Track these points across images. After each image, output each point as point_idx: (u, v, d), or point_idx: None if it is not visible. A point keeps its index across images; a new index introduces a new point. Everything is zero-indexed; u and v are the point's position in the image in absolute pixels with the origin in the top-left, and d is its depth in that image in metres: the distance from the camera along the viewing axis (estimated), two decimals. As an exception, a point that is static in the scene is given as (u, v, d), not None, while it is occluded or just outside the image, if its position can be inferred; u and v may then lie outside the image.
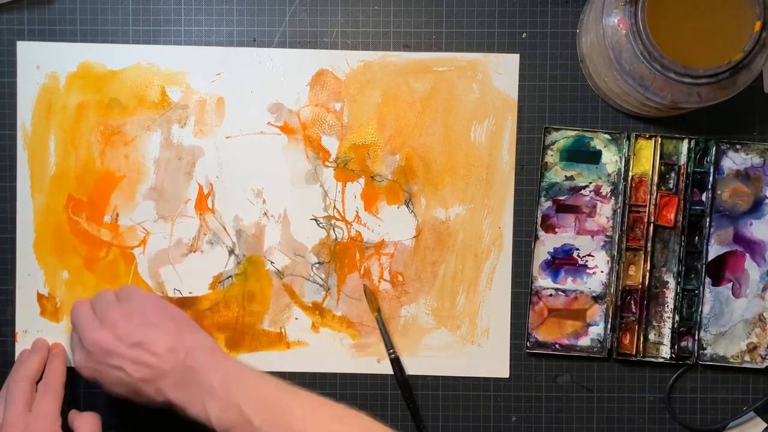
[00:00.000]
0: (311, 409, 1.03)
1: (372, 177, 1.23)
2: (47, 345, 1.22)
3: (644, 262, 1.20)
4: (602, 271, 1.22)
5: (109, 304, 1.12)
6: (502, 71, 1.22)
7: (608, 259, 1.21)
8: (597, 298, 1.22)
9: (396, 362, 1.22)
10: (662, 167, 1.20)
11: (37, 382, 1.17)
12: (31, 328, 1.23)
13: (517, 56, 1.22)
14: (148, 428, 1.24)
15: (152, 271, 1.23)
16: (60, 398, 1.16)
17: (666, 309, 1.21)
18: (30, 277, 1.23)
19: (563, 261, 1.22)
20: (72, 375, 1.20)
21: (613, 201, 1.21)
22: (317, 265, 1.24)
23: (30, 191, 1.22)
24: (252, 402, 1.02)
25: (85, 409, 1.17)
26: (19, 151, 1.22)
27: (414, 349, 1.23)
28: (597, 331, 1.22)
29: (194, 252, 1.23)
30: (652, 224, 1.20)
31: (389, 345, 1.22)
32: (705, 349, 1.22)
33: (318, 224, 1.23)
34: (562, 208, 1.21)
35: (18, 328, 1.23)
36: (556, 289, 1.22)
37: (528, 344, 1.22)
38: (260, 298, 1.24)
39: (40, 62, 1.21)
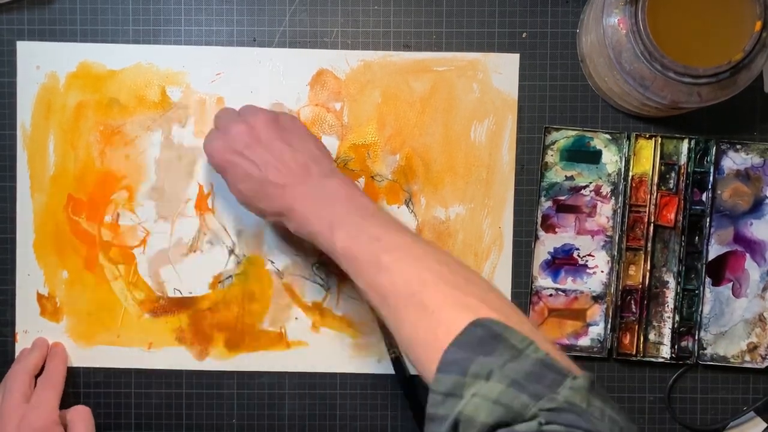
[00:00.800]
0: (445, 265, 0.97)
1: (372, 177, 1.23)
2: (47, 343, 1.22)
3: (644, 262, 1.20)
4: (602, 271, 1.22)
5: (253, 111, 1.12)
6: (502, 71, 1.22)
7: (608, 259, 1.22)
8: (597, 298, 1.22)
9: (397, 362, 1.22)
10: (662, 167, 1.20)
11: (37, 377, 1.18)
12: (31, 328, 1.23)
13: (517, 56, 1.22)
14: (147, 428, 1.24)
15: (152, 270, 1.23)
16: (59, 393, 1.17)
17: (666, 309, 1.22)
18: (30, 277, 1.23)
19: (563, 261, 1.22)
20: (70, 376, 1.21)
21: (613, 201, 1.21)
22: (317, 265, 1.24)
23: (30, 191, 1.22)
24: (386, 240, 1.00)
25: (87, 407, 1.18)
26: (19, 151, 1.22)
27: (414, 348, 1.23)
28: (597, 331, 1.22)
29: (194, 252, 1.23)
30: (652, 224, 1.20)
31: (390, 345, 1.22)
32: (705, 349, 1.22)
33: (318, 224, 1.23)
34: (562, 208, 1.21)
35: (18, 328, 1.23)
36: (556, 289, 1.22)
37: (528, 344, 1.22)
38: (260, 297, 1.23)
39: (40, 62, 1.21)
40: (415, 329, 0.93)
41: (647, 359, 1.22)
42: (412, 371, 1.22)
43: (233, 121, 1.11)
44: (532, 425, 0.76)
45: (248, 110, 1.12)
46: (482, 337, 0.85)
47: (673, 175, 1.20)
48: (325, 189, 1.06)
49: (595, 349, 1.22)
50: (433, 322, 0.91)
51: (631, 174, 1.20)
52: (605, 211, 1.21)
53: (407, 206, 1.23)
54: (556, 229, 1.22)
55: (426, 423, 0.85)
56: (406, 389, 1.22)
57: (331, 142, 1.22)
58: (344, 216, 1.03)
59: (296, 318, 1.24)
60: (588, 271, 1.22)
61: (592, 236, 1.21)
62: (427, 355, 0.89)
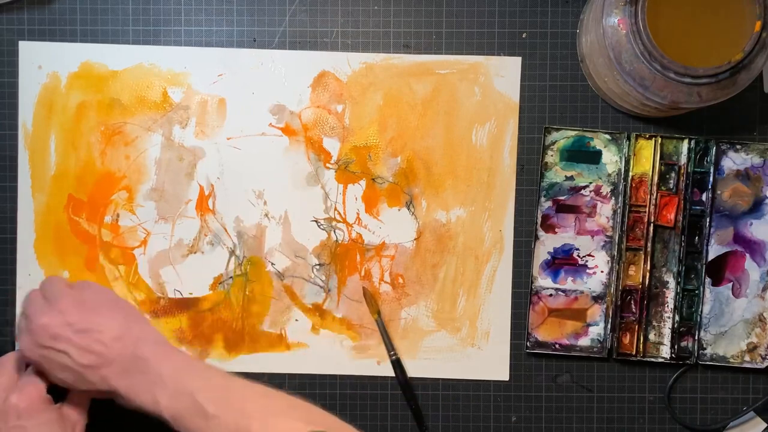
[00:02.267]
0: (265, 397, 1.04)
1: (373, 179, 1.23)
2: None
3: (644, 262, 1.20)
4: (602, 271, 1.22)
5: (60, 290, 1.10)
6: (503, 74, 1.22)
7: (608, 259, 1.22)
8: (597, 298, 1.22)
9: (397, 364, 1.22)
10: (662, 167, 1.20)
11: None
12: (32, 328, 1.23)
13: (518, 59, 1.22)
14: (147, 428, 1.24)
15: (153, 271, 1.23)
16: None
17: (666, 309, 1.21)
18: (30, 277, 1.23)
19: (563, 261, 1.22)
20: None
21: (613, 201, 1.21)
22: (318, 267, 1.24)
23: (31, 191, 1.22)
24: (205, 390, 1.02)
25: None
26: (20, 150, 1.22)
27: (414, 351, 1.23)
28: (597, 331, 1.22)
29: (195, 253, 1.23)
30: (652, 224, 1.20)
31: (390, 347, 1.22)
32: (705, 349, 1.22)
33: (319, 226, 1.23)
34: (562, 208, 1.21)
35: (18, 328, 1.23)
36: (556, 289, 1.22)
37: (528, 344, 1.22)
38: (261, 299, 1.24)
39: (42, 62, 1.22)
40: None
41: (647, 359, 1.22)
42: (411, 374, 1.22)
43: (38, 312, 1.09)
44: None
45: (51, 292, 1.11)
46: None
47: (673, 175, 1.20)
48: (138, 359, 1.06)
49: (595, 349, 1.22)
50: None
51: (631, 174, 1.20)
52: (605, 211, 1.21)
53: (408, 209, 1.23)
54: (556, 229, 1.22)
55: None
56: (405, 391, 1.22)
57: (332, 144, 1.22)
58: (161, 381, 1.04)
59: (296, 319, 1.24)
60: (588, 271, 1.22)
61: (592, 236, 1.21)
62: None
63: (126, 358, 1.06)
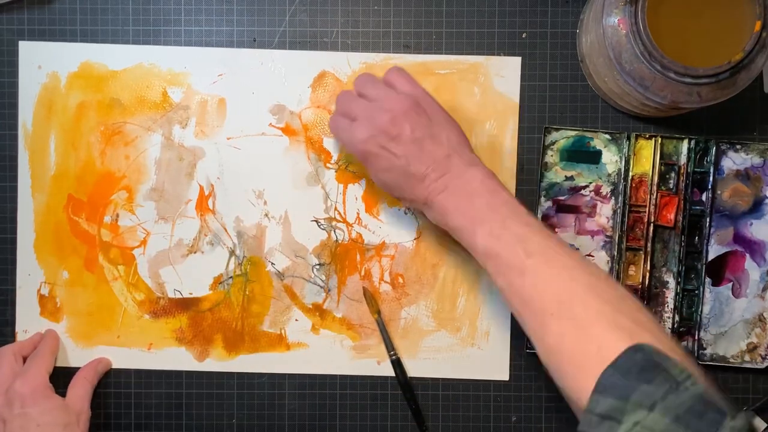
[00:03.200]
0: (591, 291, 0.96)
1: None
2: (40, 334, 1.24)
3: (644, 262, 1.20)
4: (602, 271, 1.22)
5: (399, 100, 1.09)
6: (503, 74, 1.22)
7: (608, 259, 1.21)
8: (597, 298, 1.22)
9: (397, 363, 1.22)
10: (662, 167, 1.20)
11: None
12: (31, 328, 1.23)
13: (518, 59, 1.22)
14: (147, 428, 1.24)
15: (152, 271, 1.23)
16: (47, 363, 1.19)
17: (666, 309, 1.21)
18: (30, 277, 1.23)
19: (563, 261, 1.22)
20: (70, 376, 1.21)
21: (613, 201, 1.21)
22: (318, 267, 1.24)
23: (30, 191, 1.22)
24: (526, 241, 0.99)
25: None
26: (20, 150, 1.22)
27: (414, 351, 1.23)
28: (597, 331, 1.22)
29: (195, 253, 1.23)
30: (652, 224, 1.20)
31: (390, 347, 1.22)
32: (705, 349, 1.22)
33: (319, 226, 1.23)
34: (562, 208, 1.21)
35: (18, 328, 1.23)
36: (557, 289, 1.22)
37: (528, 344, 1.22)
38: (261, 299, 1.24)
39: (42, 62, 1.22)
40: (562, 340, 0.93)
41: (647, 359, 1.22)
42: (411, 373, 1.22)
43: (374, 110, 1.08)
44: None
45: (385, 95, 1.10)
46: (642, 365, 0.84)
47: (673, 175, 1.20)
48: (467, 181, 1.05)
49: (595, 350, 1.22)
50: (583, 336, 0.91)
51: (631, 174, 1.20)
52: (605, 211, 1.21)
53: (408, 209, 1.23)
54: (556, 229, 1.21)
55: None
56: (405, 391, 1.22)
57: (332, 144, 1.23)
58: (486, 212, 1.03)
59: (296, 319, 1.24)
60: (588, 271, 1.22)
61: (592, 236, 1.21)
62: (574, 370, 0.90)
63: (454, 175, 1.06)
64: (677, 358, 0.85)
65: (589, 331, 0.90)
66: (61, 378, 1.21)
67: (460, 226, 1.04)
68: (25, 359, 1.19)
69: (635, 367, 0.84)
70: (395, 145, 1.06)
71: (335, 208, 1.23)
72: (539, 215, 1.21)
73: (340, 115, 1.13)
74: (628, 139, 1.20)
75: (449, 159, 1.06)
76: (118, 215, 1.23)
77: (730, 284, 1.22)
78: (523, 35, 1.22)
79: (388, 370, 1.23)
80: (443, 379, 1.23)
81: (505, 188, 1.06)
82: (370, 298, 1.23)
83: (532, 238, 0.99)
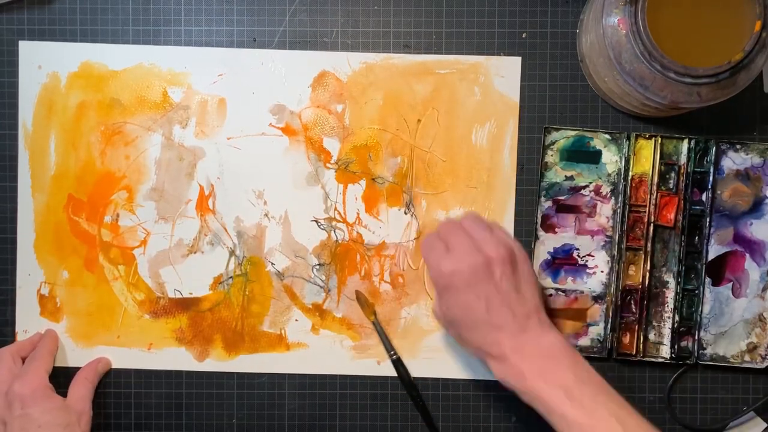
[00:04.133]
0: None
1: (373, 179, 1.23)
2: (40, 334, 1.24)
3: (644, 262, 1.20)
4: (602, 271, 1.22)
5: (496, 246, 1.07)
6: (503, 74, 1.22)
7: (608, 259, 1.22)
8: (597, 298, 1.22)
9: (399, 363, 1.22)
10: (662, 167, 1.20)
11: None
12: (31, 328, 1.23)
13: (518, 59, 1.22)
14: (147, 428, 1.24)
15: (152, 271, 1.23)
16: (47, 364, 1.19)
17: (666, 309, 1.21)
18: (30, 277, 1.23)
19: (563, 261, 1.22)
20: (70, 376, 1.21)
21: (613, 201, 1.21)
22: (318, 267, 1.24)
23: (30, 191, 1.22)
24: (624, 422, 1.00)
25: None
26: (20, 150, 1.22)
27: (414, 351, 1.23)
28: (597, 331, 1.22)
29: (195, 253, 1.23)
30: (652, 224, 1.20)
31: (389, 347, 1.22)
32: (705, 349, 1.22)
33: (319, 226, 1.23)
34: (562, 208, 1.21)
35: (18, 328, 1.23)
36: (556, 289, 1.22)
37: (528, 344, 1.22)
38: (260, 299, 1.24)
39: (42, 62, 1.22)
40: None
41: (647, 359, 1.22)
42: (412, 373, 1.22)
43: (472, 247, 1.07)
44: None
45: (483, 238, 1.08)
46: None
47: (673, 175, 1.20)
48: (546, 346, 1.05)
49: (595, 349, 1.22)
50: None
51: (631, 174, 1.20)
52: (605, 211, 1.21)
53: (408, 209, 1.23)
54: (556, 229, 1.22)
55: None
56: (410, 390, 1.22)
57: (332, 144, 1.22)
58: (575, 382, 1.02)
59: (296, 320, 1.24)
60: (588, 271, 1.22)
61: (592, 236, 1.21)
62: None
63: (531, 336, 1.05)
64: None
65: None
66: (61, 378, 1.21)
67: (543, 392, 1.02)
68: (24, 360, 1.20)
69: None
70: (481, 288, 1.05)
71: (335, 208, 1.23)
72: (539, 215, 1.21)
73: (438, 238, 1.11)
74: (628, 139, 1.20)
75: (529, 318, 1.05)
76: (118, 215, 1.23)
77: (730, 284, 1.22)
78: (523, 35, 1.22)
79: (388, 370, 1.23)
80: (443, 379, 1.23)
81: (577, 352, 1.06)
82: (364, 301, 1.23)
83: (627, 420, 1.00)
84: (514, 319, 1.05)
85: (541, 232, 1.22)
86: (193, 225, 1.23)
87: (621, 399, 1.02)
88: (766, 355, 1.22)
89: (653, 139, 1.20)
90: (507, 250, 1.06)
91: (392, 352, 1.22)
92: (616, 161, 1.20)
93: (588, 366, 1.04)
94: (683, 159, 1.20)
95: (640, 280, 1.21)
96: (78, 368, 1.22)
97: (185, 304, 1.24)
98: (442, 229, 1.11)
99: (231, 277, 1.23)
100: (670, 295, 1.21)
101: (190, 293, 1.24)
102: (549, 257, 1.22)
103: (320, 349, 1.24)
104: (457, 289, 1.06)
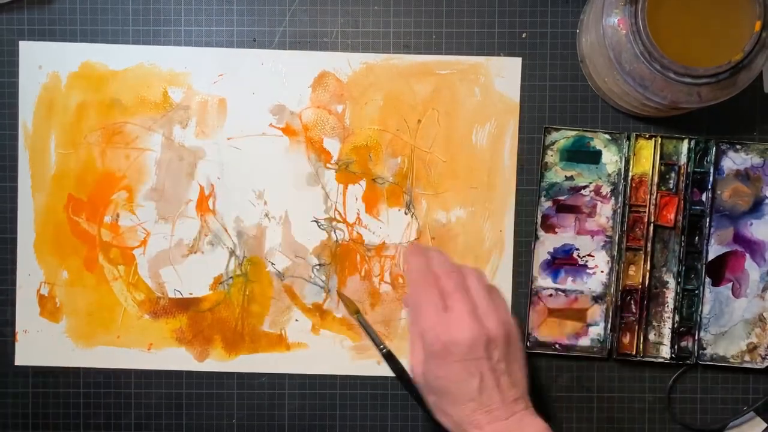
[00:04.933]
0: None
1: (373, 179, 1.23)
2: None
3: (644, 262, 1.20)
4: (602, 271, 1.22)
5: (497, 321, 1.03)
6: (504, 74, 1.22)
7: (608, 259, 1.22)
8: (597, 298, 1.22)
9: (389, 356, 1.21)
10: (662, 167, 1.20)
11: None
12: (31, 328, 1.23)
13: (519, 60, 1.22)
14: (147, 428, 1.24)
15: (152, 271, 1.23)
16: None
17: (666, 309, 1.22)
18: (30, 277, 1.23)
19: (563, 261, 1.22)
20: (70, 376, 1.21)
21: (613, 201, 1.21)
22: (318, 267, 1.24)
23: (31, 191, 1.22)
24: None
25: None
26: (20, 150, 1.22)
27: (414, 351, 1.24)
28: (597, 331, 1.22)
29: (195, 253, 1.23)
30: (652, 224, 1.20)
31: (378, 342, 1.21)
32: (705, 349, 1.22)
33: (319, 226, 1.23)
34: (562, 208, 1.21)
35: (18, 328, 1.23)
36: (556, 289, 1.22)
37: (528, 344, 1.22)
38: (261, 299, 1.24)
39: (42, 62, 1.22)
40: None
41: (647, 359, 1.22)
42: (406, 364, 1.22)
43: (471, 319, 1.02)
44: None
45: (486, 308, 1.03)
46: None
47: (672, 175, 1.20)
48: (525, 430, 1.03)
49: (595, 349, 1.22)
50: None
51: (630, 174, 1.20)
52: (605, 211, 1.21)
53: (408, 209, 1.23)
54: (556, 230, 1.22)
55: None
56: (403, 382, 1.21)
57: (332, 145, 1.22)
58: None
59: (296, 320, 1.24)
60: (588, 271, 1.22)
61: (592, 236, 1.21)
62: None
63: (515, 420, 1.02)
64: None
65: None
66: (61, 378, 1.21)
67: None
68: None
69: None
70: (476, 365, 1.01)
71: (335, 209, 1.23)
72: (539, 215, 1.21)
73: (432, 285, 1.06)
74: (628, 139, 1.20)
75: (517, 403, 1.03)
76: (118, 215, 1.23)
77: (730, 284, 1.22)
78: (523, 35, 1.22)
79: (388, 370, 1.22)
80: (443, 379, 1.23)
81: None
82: (346, 301, 1.22)
83: None
84: (503, 403, 1.02)
85: (541, 232, 1.22)
86: (193, 225, 1.23)
87: None
88: (766, 355, 1.22)
89: (653, 139, 1.20)
90: (506, 327, 1.03)
91: (381, 346, 1.21)
92: (616, 161, 1.21)
93: None
94: (683, 159, 1.20)
95: (640, 281, 1.21)
96: (78, 369, 1.22)
97: (185, 304, 1.24)
98: (438, 270, 1.07)
99: (231, 277, 1.23)
100: (670, 295, 1.21)
101: (190, 293, 1.24)
102: (549, 257, 1.22)
103: (320, 350, 1.24)
104: (451, 360, 1.02)
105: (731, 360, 1.22)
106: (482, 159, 1.22)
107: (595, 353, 1.22)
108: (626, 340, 1.21)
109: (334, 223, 1.23)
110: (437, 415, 1.05)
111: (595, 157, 1.21)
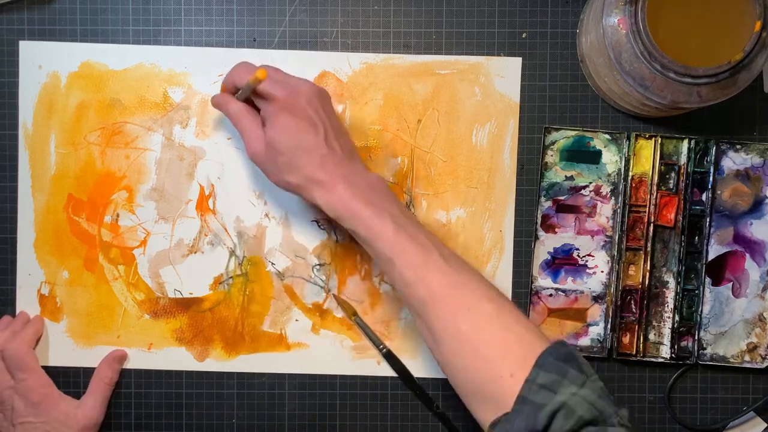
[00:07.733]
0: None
1: (373, 179, 1.23)
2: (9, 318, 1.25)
3: (644, 262, 1.20)
4: (602, 271, 1.22)
5: (306, 83, 1.11)
6: (504, 74, 1.22)
7: (608, 259, 1.22)
8: (597, 298, 1.22)
9: (389, 355, 1.21)
10: (662, 167, 1.20)
11: None
12: (32, 328, 1.23)
13: (519, 59, 1.22)
14: (147, 428, 1.24)
15: (152, 271, 1.23)
16: (36, 330, 1.22)
17: (666, 309, 1.22)
18: (30, 277, 1.23)
19: (563, 261, 1.22)
20: (70, 376, 1.21)
21: (613, 201, 1.21)
22: (318, 267, 1.24)
23: (31, 191, 1.22)
24: (441, 247, 1.05)
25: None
26: (21, 150, 1.22)
27: (414, 351, 1.23)
28: (597, 331, 1.22)
29: (195, 253, 1.23)
30: (652, 224, 1.20)
31: (377, 342, 1.22)
32: (705, 349, 1.22)
33: (319, 226, 1.23)
34: (562, 208, 1.21)
35: (18, 328, 1.23)
36: (556, 289, 1.22)
37: (528, 343, 1.22)
38: (261, 299, 1.24)
39: (42, 62, 1.22)
40: (484, 326, 1.00)
41: (647, 359, 1.22)
42: (415, 374, 1.22)
43: (297, 78, 1.11)
44: (620, 430, 0.91)
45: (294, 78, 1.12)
46: (567, 356, 0.96)
47: (673, 175, 1.20)
48: (371, 180, 1.09)
49: (595, 349, 1.22)
50: (503, 328, 1.00)
51: (631, 174, 1.20)
52: (605, 211, 1.21)
53: (408, 209, 1.23)
54: (556, 229, 1.22)
55: (518, 403, 0.94)
56: (406, 381, 1.22)
57: (331, 144, 1.22)
58: (400, 213, 1.06)
59: (296, 320, 1.24)
60: (588, 271, 1.22)
61: (592, 236, 1.21)
62: (494, 355, 0.98)
63: (357, 172, 1.09)
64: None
65: (509, 325, 1.00)
66: (61, 378, 1.21)
67: (370, 217, 1.04)
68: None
69: (564, 356, 0.96)
70: (315, 117, 1.08)
71: (335, 208, 1.23)
72: (539, 215, 1.21)
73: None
74: (628, 139, 1.20)
75: (353, 155, 1.11)
76: (118, 215, 1.23)
77: (730, 284, 1.22)
78: (523, 35, 1.22)
79: (388, 370, 1.23)
80: (444, 379, 1.23)
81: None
82: (343, 304, 1.23)
83: (448, 252, 1.06)
84: (342, 151, 1.09)
85: (541, 232, 1.22)
86: (193, 225, 1.23)
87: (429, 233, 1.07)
88: (766, 355, 1.22)
89: (653, 139, 1.20)
90: (316, 88, 1.12)
91: (381, 346, 1.21)
92: (616, 161, 1.21)
93: (400, 202, 1.10)
94: (683, 159, 1.20)
95: (640, 280, 1.21)
96: (78, 369, 1.23)
97: (185, 304, 1.24)
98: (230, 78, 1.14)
99: (231, 277, 1.23)
100: (670, 295, 1.21)
101: (190, 293, 1.24)
102: (549, 257, 1.22)
103: (320, 349, 1.24)
104: (292, 112, 1.08)
105: (731, 360, 1.22)
106: (482, 159, 1.22)
107: (595, 353, 1.22)
108: (626, 340, 1.21)
109: (333, 223, 1.23)
110: (282, 182, 1.10)
111: (595, 157, 1.21)
